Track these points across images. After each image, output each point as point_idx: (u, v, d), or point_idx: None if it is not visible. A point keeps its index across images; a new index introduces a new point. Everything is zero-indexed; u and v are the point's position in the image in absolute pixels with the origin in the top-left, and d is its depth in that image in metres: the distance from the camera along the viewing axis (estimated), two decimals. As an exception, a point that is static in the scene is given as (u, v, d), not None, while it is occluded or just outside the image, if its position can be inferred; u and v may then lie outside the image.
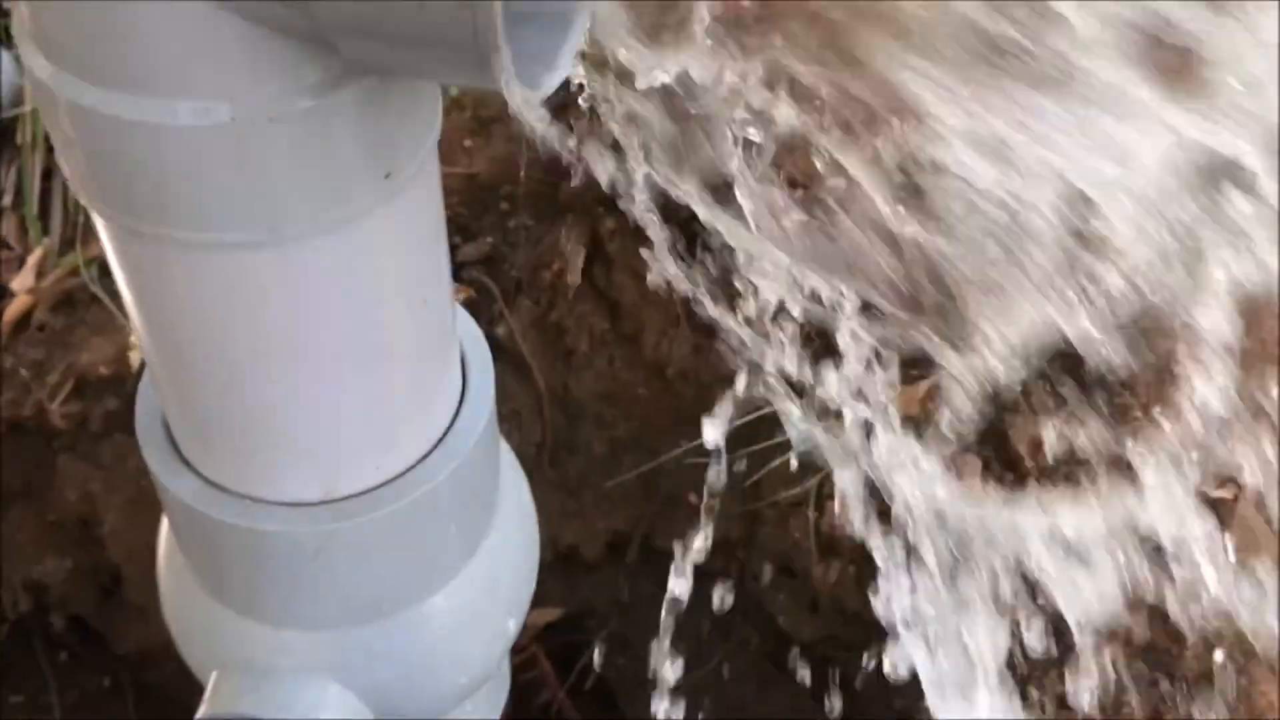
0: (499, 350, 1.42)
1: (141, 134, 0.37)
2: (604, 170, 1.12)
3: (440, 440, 0.52)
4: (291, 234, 0.40)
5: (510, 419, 1.41)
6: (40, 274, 1.85)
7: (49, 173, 2.02)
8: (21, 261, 1.91)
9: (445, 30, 0.30)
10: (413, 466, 0.50)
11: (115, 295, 1.66)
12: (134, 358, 1.48)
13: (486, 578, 0.56)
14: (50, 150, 2.01)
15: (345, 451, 0.49)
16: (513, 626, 0.62)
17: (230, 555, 0.53)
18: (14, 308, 1.79)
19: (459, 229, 1.50)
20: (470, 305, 1.42)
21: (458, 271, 1.45)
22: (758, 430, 1.31)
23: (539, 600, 0.76)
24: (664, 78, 0.62)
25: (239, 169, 0.38)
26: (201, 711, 0.54)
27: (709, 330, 1.33)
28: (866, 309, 0.98)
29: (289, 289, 0.42)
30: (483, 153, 1.55)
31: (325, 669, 0.54)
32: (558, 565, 1.47)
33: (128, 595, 1.57)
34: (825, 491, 1.25)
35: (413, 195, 0.44)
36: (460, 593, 0.55)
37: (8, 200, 2.02)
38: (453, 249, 1.49)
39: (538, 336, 1.41)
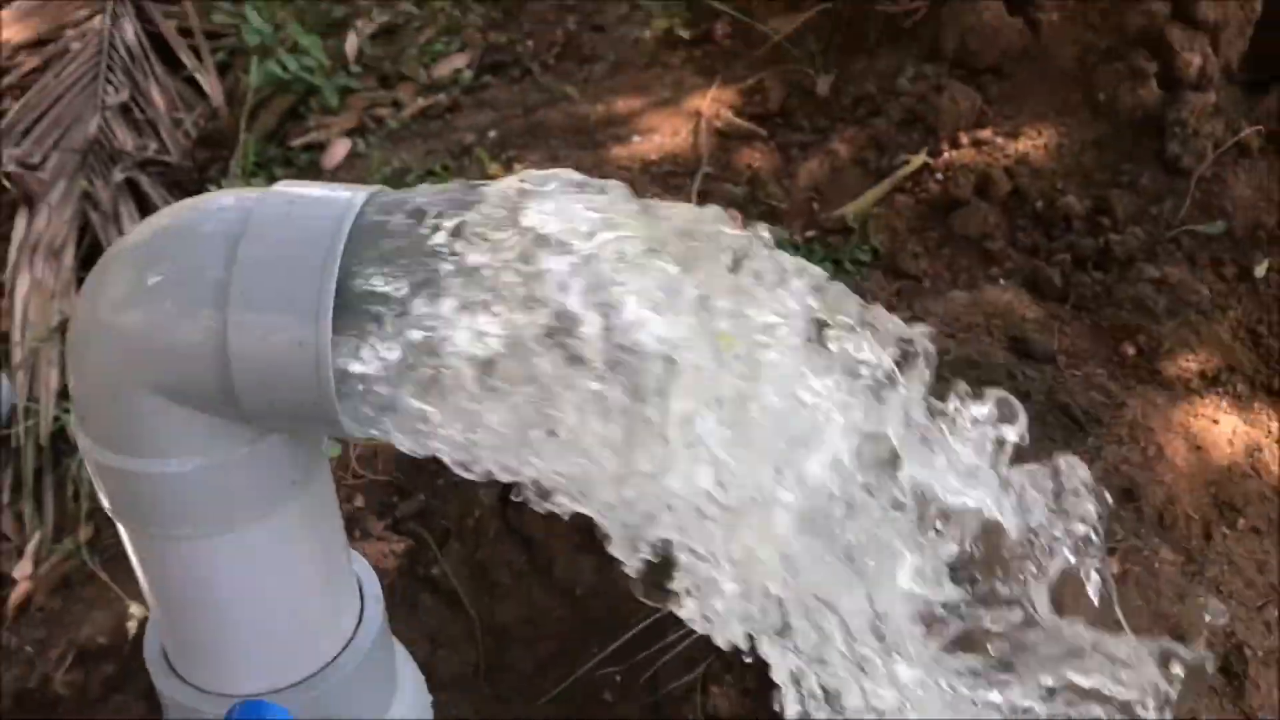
0: (435, 588, 1.62)
1: (145, 479, 0.61)
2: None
3: (348, 644, 0.74)
4: (240, 524, 0.64)
5: (447, 644, 1.57)
6: (37, 561, 2.04)
7: (39, 473, 2.23)
8: (20, 551, 2.10)
9: (309, 413, 0.55)
10: (329, 663, 0.71)
11: (111, 572, 1.85)
12: (131, 626, 1.64)
13: None
14: (40, 452, 2.24)
15: (279, 659, 0.70)
16: None
17: None
18: (16, 594, 1.96)
19: (397, 490, 1.71)
20: (408, 552, 1.62)
21: (396, 525, 1.66)
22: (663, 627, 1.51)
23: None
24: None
25: (206, 492, 0.61)
26: None
27: (607, 557, 1.56)
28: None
29: (240, 556, 0.65)
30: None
31: None
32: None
33: None
34: (710, 675, 1.45)
35: (314, 490, 0.68)
36: None
37: (6, 498, 2.24)
38: (391, 506, 1.71)
39: (467, 574, 1.60)
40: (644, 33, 2.51)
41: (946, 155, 1.96)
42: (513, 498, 0.66)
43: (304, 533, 0.66)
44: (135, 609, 1.70)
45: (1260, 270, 1.78)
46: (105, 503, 0.64)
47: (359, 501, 1.67)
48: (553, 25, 2.73)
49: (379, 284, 0.50)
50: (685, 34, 2.42)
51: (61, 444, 2.27)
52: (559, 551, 1.55)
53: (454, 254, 0.50)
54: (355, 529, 1.63)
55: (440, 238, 0.51)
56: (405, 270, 0.50)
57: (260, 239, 0.52)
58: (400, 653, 0.79)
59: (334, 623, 0.71)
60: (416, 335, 0.50)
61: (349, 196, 0.54)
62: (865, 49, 2.22)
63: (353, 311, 0.52)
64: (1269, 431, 1.61)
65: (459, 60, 2.75)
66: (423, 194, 0.54)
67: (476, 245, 0.50)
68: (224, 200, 0.57)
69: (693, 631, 1.42)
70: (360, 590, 0.74)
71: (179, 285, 0.55)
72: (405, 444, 0.56)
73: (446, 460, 0.59)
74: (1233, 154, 1.92)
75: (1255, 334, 1.74)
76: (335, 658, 0.70)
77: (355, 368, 0.51)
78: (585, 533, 1.54)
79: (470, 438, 0.54)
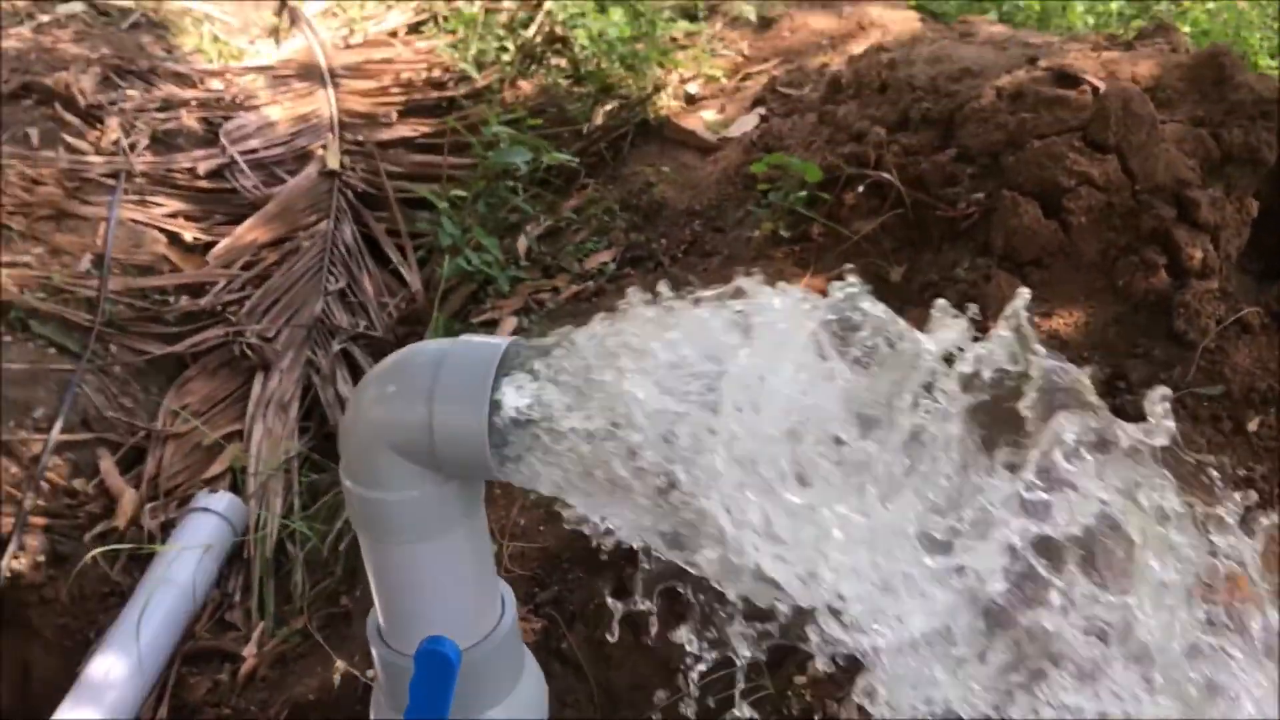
0: (563, 659, 1.92)
1: (380, 503, 0.96)
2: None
3: (493, 630, 1.06)
4: (431, 536, 0.98)
5: (571, 705, 1.87)
6: (261, 644, 2.42)
7: (263, 579, 2.61)
8: (247, 638, 2.48)
9: (476, 464, 0.90)
10: (481, 640, 1.04)
11: (330, 639, 2.17)
12: (335, 681, 1.96)
13: (520, 702, 1.09)
14: (265, 562, 2.62)
15: (450, 631, 1.02)
16: None
17: (404, 681, 1.04)
18: (245, 668, 2.34)
19: (536, 582, 2.04)
20: (544, 630, 1.94)
21: (536, 609, 1.98)
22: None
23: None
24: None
25: (414, 513, 0.97)
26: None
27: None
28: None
29: (430, 558, 0.99)
30: (551, 532, 2.13)
31: None
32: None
33: None
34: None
35: (477, 521, 1.02)
36: (510, 707, 1.08)
37: (238, 597, 2.62)
38: (532, 594, 2.04)
39: (588, 649, 1.91)
40: (754, 233, 2.85)
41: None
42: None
43: (469, 548, 1.01)
44: (337, 674, 2.02)
45: (1252, 425, 1.99)
46: (353, 519, 1.00)
47: (510, 592, 2.00)
48: (682, 228, 3.08)
49: (510, 385, 0.86)
50: (786, 234, 2.74)
51: (281, 556, 2.64)
52: (656, 631, 1.84)
53: (547, 369, 0.86)
54: (506, 613, 1.95)
55: (539, 364, 0.87)
56: (528, 377, 0.86)
57: (452, 362, 0.89)
58: (529, 655, 1.12)
59: (485, 613, 1.05)
60: (528, 413, 0.85)
61: (500, 341, 0.90)
62: (930, 245, 2.52)
63: (500, 405, 0.87)
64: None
65: (605, 255, 3.11)
66: (541, 340, 0.90)
67: (559, 367, 0.85)
68: (431, 345, 0.95)
69: (758, 690, 1.68)
70: (503, 600, 1.08)
71: (406, 390, 0.92)
72: (531, 485, 0.90)
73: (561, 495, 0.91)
74: (1235, 330, 2.14)
75: (1249, 479, 1.95)
76: (485, 637, 1.04)
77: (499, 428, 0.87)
78: (678, 617, 1.83)
79: (564, 483, 0.88)
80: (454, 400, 0.88)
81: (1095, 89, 2.52)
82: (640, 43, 3.81)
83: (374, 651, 1.05)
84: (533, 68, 4.18)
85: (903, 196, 2.53)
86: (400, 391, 0.92)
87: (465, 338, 0.94)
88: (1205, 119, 2.47)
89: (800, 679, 1.76)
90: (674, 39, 3.91)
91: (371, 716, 1.15)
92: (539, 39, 4.23)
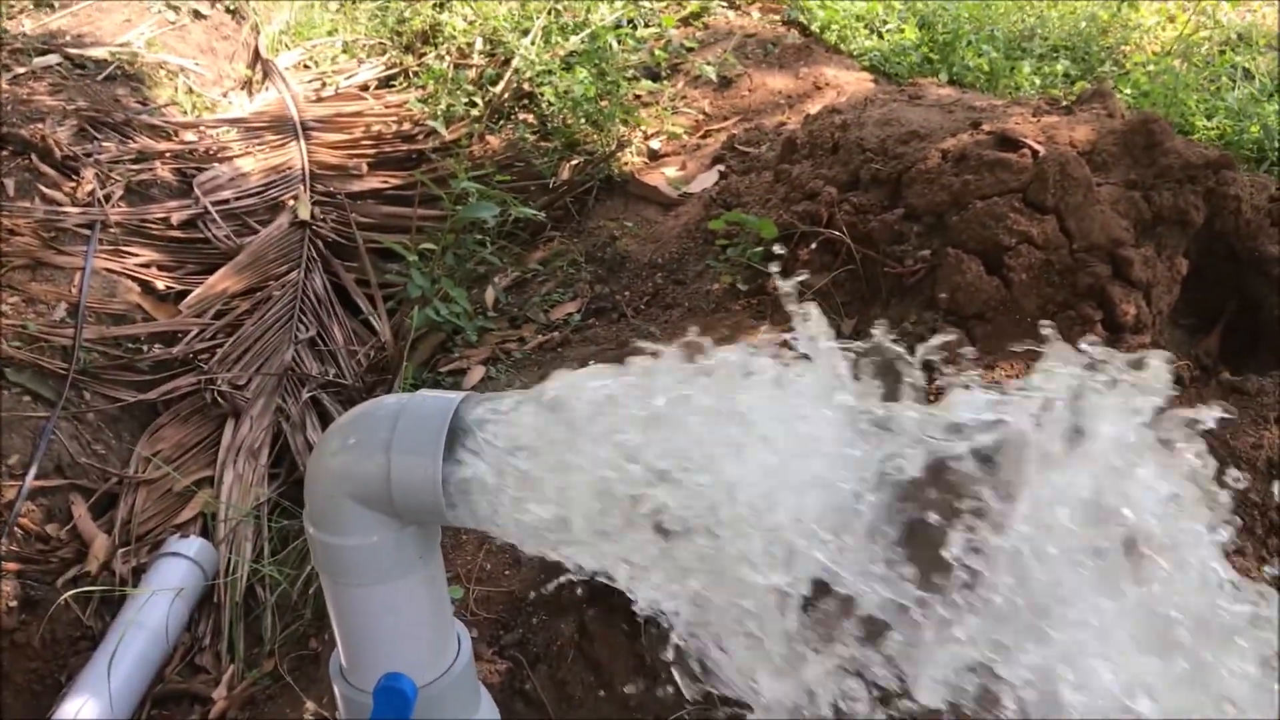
0: (527, 699, 1.98)
1: (340, 548, 1.03)
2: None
3: (449, 668, 1.13)
4: (389, 579, 1.05)
5: None
6: (231, 687, 2.45)
7: (233, 622, 2.65)
8: (217, 681, 2.51)
9: (431, 511, 0.97)
10: (438, 677, 1.10)
11: (299, 681, 2.21)
12: (307, 719, 2.02)
13: None
14: (235, 606, 2.66)
15: (408, 670, 1.09)
16: None
17: (364, 717, 1.10)
18: (216, 710, 2.37)
19: (501, 625, 2.10)
20: (508, 671, 2.00)
21: (501, 651, 2.04)
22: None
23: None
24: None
25: (372, 558, 1.03)
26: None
27: (654, 672, 1.91)
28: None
29: (388, 600, 1.06)
30: (516, 576, 2.19)
31: None
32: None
33: None
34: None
35: (433, 565, 1.09)
36: None
37: (208, 641, 2.65)
38: (497, 637, 2.10)
39: (551, 689, 1.96)
40: (714, 286, 2.94)
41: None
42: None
43: (425, 590, 1.08)
44: (307, 714, 2.06)
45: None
46: (316, 563, 1.07)
47: (475, 633, 2.06)
48: (645, 280, 3.17)
49: (465, 440, 0.93)
50: (744, 287, 2.84)
51: (251, 600, 2.68)
52: (618, 672, 1.91)
53: (492, 422, 0.93)
54: (469, 654, 2.01)
55: (482, 414, 0.95)
56: (481, 434, 0.94)
57: (409, 416, 0.97)
58: (484, 691, 1.19)
59: (442, 651, 1.11)
60: (476, 467, 0.92)
61: (454, 396, 0.98)
62: (879, 300, 2.62)
63: (453, 456, 0.95)
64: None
65: (571, 306, 3.19)
66: (492, 396, 0.98)
67: (506, 423, 0.93)
68: (390, 399, 1.02)
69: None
70: (459, 639, 1.14)
71: (366, 442, 0.99)
72: (479, 526, 0.97)
73: (507, 538, 0.98)
74: (1164, 381, 2.23)
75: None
76: (442, 674, 1.10)
77: (452, 482, 0.94)
78: (638, 657, 1.90)
79: (510, 527, 0.95)
80: (409, 452, 0.95)
81: (1035, 152, 2.63)
82: (605, 100, 3.92)
83: (335, 688, 1.12)
84: (501, 123, 4.29)
85: (853, 253, 2.63)
86: (360, 443, 0.99)
87: (422, 393, 1.01)
88: (1138, 182, 2.59)
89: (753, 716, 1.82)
90: (637, 96, 4.02)
91: (334, 753, 1.21)
92: (507, 95, 4.33)
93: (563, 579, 1.29)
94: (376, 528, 1.01)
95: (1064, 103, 3.09)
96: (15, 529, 2.61)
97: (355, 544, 1.01)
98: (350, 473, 0.99)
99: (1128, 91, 3.77)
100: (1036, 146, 2.65)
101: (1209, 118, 3.57)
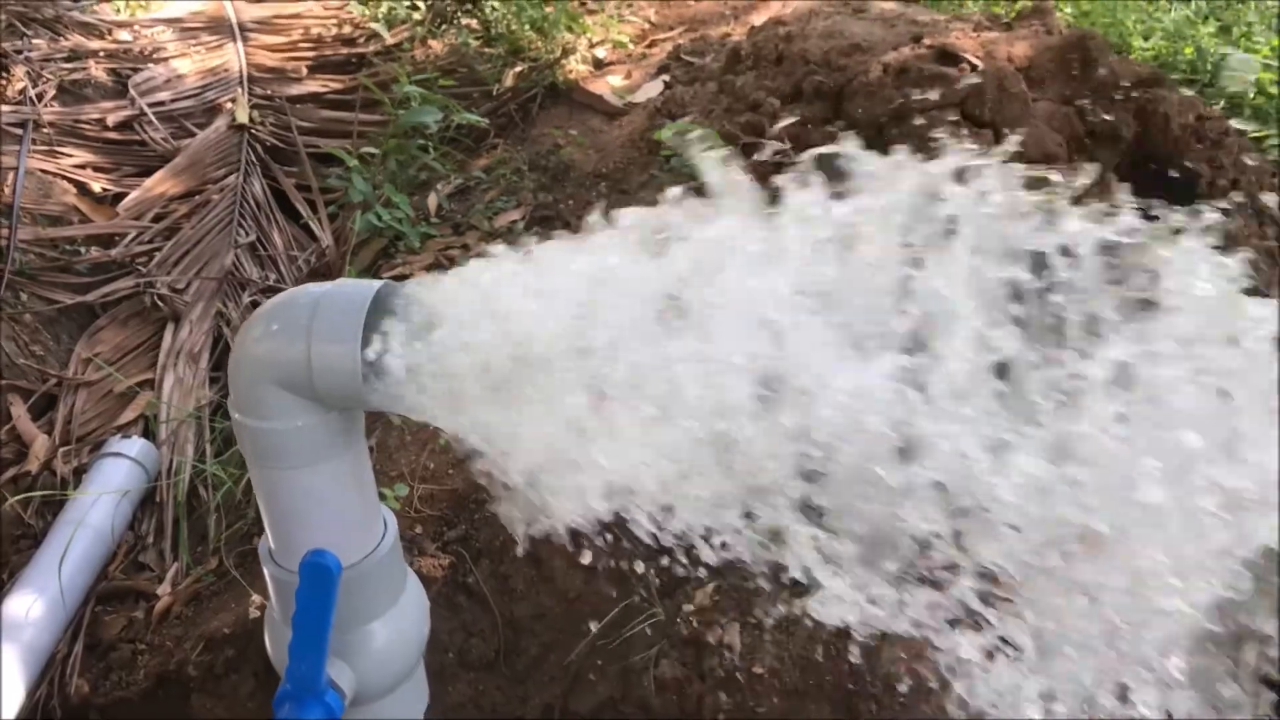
0: (469, 593, 2.01)
1: (265, 433, 1.05)
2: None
3: (374, 548, 1.15)
4: (313, 463, 1.07)
5: (477, 634, 1.95)
6: (175, 584, 2.46)
7: (177, 521, 2.65)
8: (161, 578, 2.53)
9: (351, 396, 1.00)
10: (363, 558, 1.13)
11: (245, 576, 2.23)
12: (251, 615, 2.01)
13: (402, 614, 1.18)
14: (178, 505, 2.66)
15: (334, 549, 1.12)
16: (419, 641, 1.21)
17: (292, 594, 1.13)
18: (159, 606, 2.39)
19: (445, 522, 2.13)
20: (452, 565, 2.03)
21: (444, 546, 2.07)
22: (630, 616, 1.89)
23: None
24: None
25: (297, 442, 1.05)
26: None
27: (592, 568, 1.95)
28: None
29: (314, 482, 1.07)
30: (460, 475, 2.22)
31: (334, 653, 1.14)
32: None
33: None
34: (664, 644, 1.83)
35: (356, 449, 1.11)
36: (392, 619, 1.17)
37: (151, 539, 2.67)
38: (441, 533, 2.14)
39: (494, 584, 1.99)
40: (658, 196, 2.95)
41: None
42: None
43: (349, 474, 1.10)
44: (253, 608, 2.08)
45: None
46: (242, 449, 1.09)
47: (419, 529, 2.10)
48: (589, 189, 3.17)
49: (382, 325, 0.95)
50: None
51: (194, 500, 2.69)
52: (559, 567, 1.95)
53: (410, 309, 0.95)
54: (414, 548, 2.05)
55: (400, 300, 0.96)
56: (394, 317, 0.96)
57: (329, 302, 0.98)
58: (411, 575, 1.22)
59: (368, 533, 1.14)
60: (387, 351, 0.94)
61: (375, 283, 1.00)
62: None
63: (371, 341, 0.97)
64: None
65: (514, 214, 3.19)
66: (411, 282, 1.00)
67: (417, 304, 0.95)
68: (312, 287, 1.03)
69: (650, 617, 1.78)
70: (385, 523, 1.17)
71: (287, 329, 1.00)
72: (397, 410, 0.99)
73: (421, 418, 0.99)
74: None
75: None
76: (367, 555, 1.13)
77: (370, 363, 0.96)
78: (577, 553, 1.94)
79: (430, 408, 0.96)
80: (329, 339, 0.97)
81: (974, 67, 2.65)
82: (550, 6, 3.87)
83: (265, 570, 1.14)
84: (443, 27, 4.22)
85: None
86: (282, 329, 1.01)
87: (341, 280, 1.03)
88: (1072, 98, 2.62)
89: (689, 606, 1.88)
90: (583, 3, 3.98)
91: (266, 634, 1.24)
92: (451, -1, 4.26)
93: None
94: (300, 412, 1.02)
95: (1005, 19, 3.10)
96: (-48, 428, 2.60)
97: (280, 428, 1.03)
98: (273, 359, 1.00)
99: (1068, 10, 3.79)
100: (975, 61, 2.67)
101: (1146, 38, 3.60)
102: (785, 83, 2.93)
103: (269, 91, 4.08)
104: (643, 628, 1.86)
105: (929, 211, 0.86)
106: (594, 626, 1.91)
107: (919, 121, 2.53)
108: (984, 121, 2.53)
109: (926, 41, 2.79)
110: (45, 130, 3.60)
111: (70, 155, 3.59)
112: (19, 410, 2.77)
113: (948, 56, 2.72)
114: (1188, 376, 0.78)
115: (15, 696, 2.10)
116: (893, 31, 2.98)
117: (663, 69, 3.56)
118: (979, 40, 2.79)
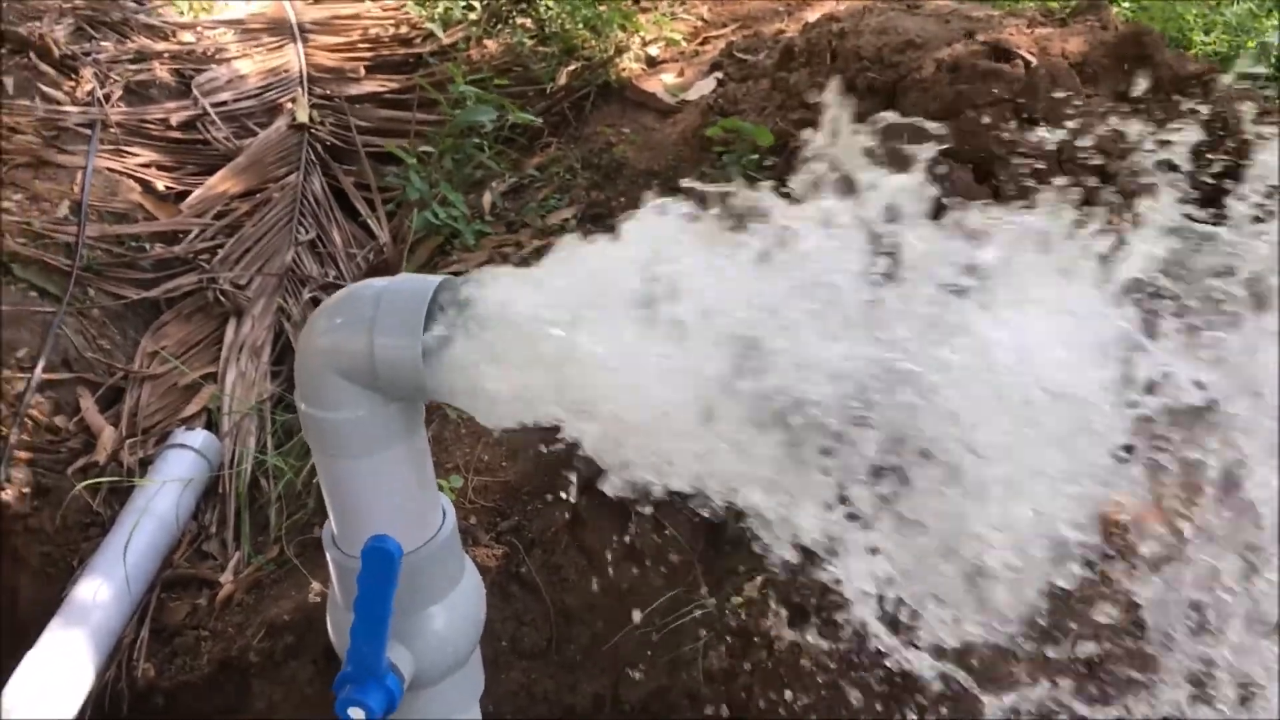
0: (522, 582, 2.05)
1: (329, 422, 1.09)
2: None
3: (433, 536, 1.19)
4: (375, 452, 1.11)
5: (529, 623, 1.99)
6: (237, 572, 2.53)
7: (239, 511, 2.72)
8: (223, 567, 2.59)
9: (414, 387, 1.03)
10: (422, 545, 1.17)
11: (305, 564, 2.28)
12: (312, 602, 2.07)
13: (460, 600, 1.22)
14: (239, 496, 2.73)
15: (394, 536, 1.16)
16: (476, 626, 1.25)
17: (354, 579, 1.17)
18: (223, 593, 2.45)
19: (498, 513, 2.17)
20: (505, 556, 2.07)
21: (498, 537, 2.11)
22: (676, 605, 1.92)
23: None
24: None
25: (359, 431, 1.09)
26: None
27: (642, 558, 1.98)
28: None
29: (376, 471, 1.11)
30: (513, 468, 2.26)
31: (394, 636, 1.18)
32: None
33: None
34: (711, 636, 1.85)
35: (416, 439, 1.15)
36: (450, 604, 1.21)
37: (214, 529, 2.74)
38: (495, 524, 2.17)
39: (545, 574, 2.02)
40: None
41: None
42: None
43: (410, 462, 1.13)
44: (313, 596, 2.13)
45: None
46: (307, 438, 1.13)
47: (473, 520, 2.14)
48: (641, 187, 3.18)
49: (442, 318, 0.99)
50: None
51: (255, 491, 2.75)
52: (609, 558, 1.98)
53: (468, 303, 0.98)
54: (469, 538, 2.08)
55: (459, 295, 0.99)
56: (454, 310, 0.99)
57: (391, 297, 1.02)
58: (469, 562, 1.25)
59: (427, 521, 1.17)
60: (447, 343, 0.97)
61: (435, 278, 1.03)
62: (868, 207, 2.63)
63: (432, 334, 1.00)
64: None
65: (567, 212, 3.21)
66: (471, 277, 1.03)
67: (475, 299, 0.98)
68: (375, 282, 1.07)
69: (700, 609, 1.80)
70: (444, 512, 1.21)
71: (351, 322, 1.04)
72: (457, 402, 1.03)
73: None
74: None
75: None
76: (427, 542, 1.16)
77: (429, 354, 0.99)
78: (629, 546, 1.97)
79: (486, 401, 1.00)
80: (391, 332, 1.00)
81: (1028, 63, 2.64)
82: (604, 4, 3.89)
83: (328, 555, 1.18)
84: (498, 27, 4.26)
85: (844, 160, 2.65)
86: (346, 323, 1.04)
87: (402, 275, 1.06)
88: (1127, 94, 2.60)
89: (737, 599, 1.90)
90: (636, 1, 4.00)
91: (328, 618, 1.28)
92: (505, -1, 4.30)
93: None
94: (363, 403, 1.06)
95: (1059, 14, 3.08)
96: (26, 419, 2.68)
97: (343, 418, 1.07)
98: (338, 350, 1.04)
99: (1126, 5, 3.74)
100: (1029, 57, 2.65)
101: (1207, 33, 3.55)
102: (838, 80, 2.93)
103: (328, 91, 4.15)
104: (691, 618, 1.88)
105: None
106: (642, 617, 1.94)
107: (971, 116, 2.53)
108: (1037, 118, 2.52)
109: (980, 38, 2.78)
110: (112, 130, 3.70)
111: (136, 154, 3.68)
112: (87, 402, 2.85)
113: (1001, 53, 2.70)
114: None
115: (85, 677, 2.17)
116: (946, 28, 2.97)
117: (715, 66, 3.57)
118: (1033, 36, 2.78)
